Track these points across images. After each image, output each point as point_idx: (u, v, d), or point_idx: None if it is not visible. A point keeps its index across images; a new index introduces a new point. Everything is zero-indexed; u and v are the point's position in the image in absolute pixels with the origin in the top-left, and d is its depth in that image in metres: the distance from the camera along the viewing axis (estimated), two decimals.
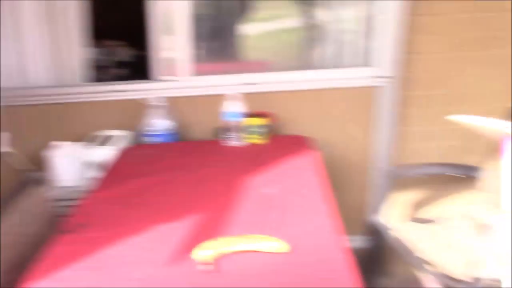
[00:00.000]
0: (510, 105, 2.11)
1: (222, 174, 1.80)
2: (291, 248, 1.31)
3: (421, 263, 1.89)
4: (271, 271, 1.24)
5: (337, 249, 1.32)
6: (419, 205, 2.41)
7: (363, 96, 2.36)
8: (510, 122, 2.08)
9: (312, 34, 2.57)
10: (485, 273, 1.21)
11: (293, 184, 1.69)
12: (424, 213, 2.41)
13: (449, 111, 1.98)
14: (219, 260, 1.28)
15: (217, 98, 2.08)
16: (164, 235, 1.41)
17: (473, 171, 2.19)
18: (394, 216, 2.41)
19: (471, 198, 2.19)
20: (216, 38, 2.47)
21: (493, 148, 2.13)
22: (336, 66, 2.48)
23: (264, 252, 1.30)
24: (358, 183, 2.44)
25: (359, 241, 2.29)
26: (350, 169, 2.44)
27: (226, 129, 2.05)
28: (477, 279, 1.47)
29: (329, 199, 1.57)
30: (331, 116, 2.38)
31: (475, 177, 2.18)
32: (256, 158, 1.93)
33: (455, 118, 1.08)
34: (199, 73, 2.34)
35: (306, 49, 2.62)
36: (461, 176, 2.30)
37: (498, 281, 1.20)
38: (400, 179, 2.33)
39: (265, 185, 1.69)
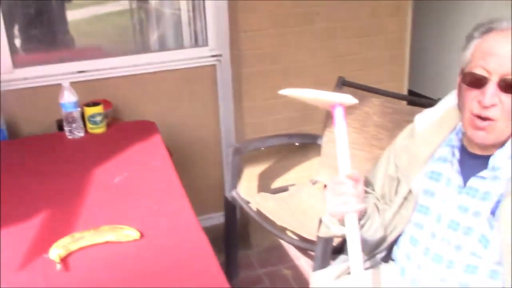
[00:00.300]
0: (337, 76, 2.31)
1: (66, 169, 1.67)
2: (142, 234, 1.28)
3: (279, 231, 1.99)
4: (122, 261, 1.19)
5: (190, 230, 1.31)
6: (271, 176, 2.54)
7: (203, 76, 2.38)
8: (338, 92, 2.28)
9: (144, 16, 2.52)
10: (328, 231, 1.31)
11: (140, 170, 1.64)
12: (276, 183, 2.54)
13: (283, 85, 2.09)
14: (67, 258, 1.20)
15: (52, 89, 1.92)
16: (12, 238, 1.29)
17: (316, 138, 2.37)
18: (249, 189, 2.51)
19: (316, 164, 2.37)
20: (37, 25, 2.28)
21: (329, 116, 2.32)
22: (172, 48, 2.47)
23: (114, 242, 1.25)
24: (214, 161, 2.47)
25: (221, 218, 2.33)
26: (204, 149, 2.46)
27: (66, 121, 1.91)
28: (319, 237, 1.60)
29: (177, 182, 1.56)
30: (175, 98, 2.36)
31: (318, 144, 2.36)
32: (99, 148, 1.84)
33: (286, 91, 1.13)
34: (23, 64, 2.15)
35: (141, 32, 2.55)
36: (305, 144, 2.47)
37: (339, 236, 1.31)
38: (250, 153, 2.42)
39: (111, 175, 1.62)
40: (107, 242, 1.25)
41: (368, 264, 1.46)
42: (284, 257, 2.44)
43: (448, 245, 1.25)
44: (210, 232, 2.54)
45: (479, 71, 1.14)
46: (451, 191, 1.26)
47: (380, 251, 1.41)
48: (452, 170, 1.26)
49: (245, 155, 2.43)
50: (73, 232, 1.26)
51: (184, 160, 2.39)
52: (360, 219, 1.24)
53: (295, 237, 1.98)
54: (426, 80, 4.15)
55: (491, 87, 1.12)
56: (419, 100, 2.09)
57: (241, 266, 2.40)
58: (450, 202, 1.26)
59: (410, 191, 1.32)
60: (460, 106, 1.22)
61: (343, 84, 2.23)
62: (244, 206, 2.12)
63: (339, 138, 1.12)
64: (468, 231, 1.22)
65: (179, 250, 1.23)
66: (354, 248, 1.07)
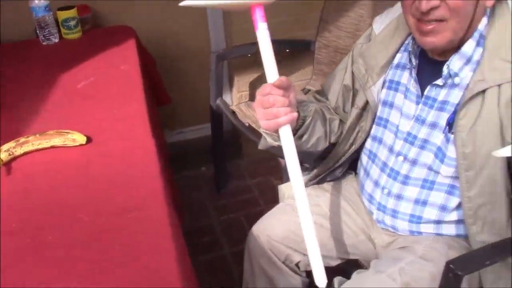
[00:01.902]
0: None
1: (33, 75, 1.64)
2: (90, 139, 1.25)
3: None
4: (66, 166, 1.16)
5: (141, 137, 1.26)
6: (256, 86, 2.46)
7: None
8: None
9: None
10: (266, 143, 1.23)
11: (106, 76, 1.59)
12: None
13: None
14: (11, 163, 1.19)
15: None
16: None
17: (309, 45, 2.24)
18: (240, 98, 2.44)
19: (309, 72, 2.26)
20: None
21: (322, 20, 2.17)
22: None
23: (60, 146, 1.23)
24: (202, 70, 2.39)
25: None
26: (193, 58, 2.37)
27: (39, 26, 1.85)
28: None
29: (140, 88, 1.50)
30: (161, 3, 2.25)
31: (311, 50, 2.23)
32: (72, 53, 1.79)
33: (187, 2, 1.00)
34: None
35: None
36: (298, 50, 2.35)
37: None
38: (240, 61, 2.32)
39: (77, 80, 1.58)
40: (52, 147, 1.23)
41: (329, 178, 1.41)
42: (274, 168, 2.41)
43: (404, 160, 1.18)
44: (200, 142, 2.56)
45: None
46: (409, 101, 1.17)
47: (339, 165, 1.35)
48: (410, 79, 1.16)
49: (235, 64, 2.35)
50: (20, 137, 1.25)
51: (172, 69, 2.32)
52: (297, 129, 1.16)
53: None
54: None
55: None
56: None
57: (231, 176, 2.40)
58: (408, 113, 1.17)
59: (368, 102, 1.23)
60: (403, 10, 1.09)
61: None
62: (229, 115, 2.07)
63: (262, 43, 0.98)
64: (425, 144, 1.15)
65: (126, 156, 1.20)
66: (291, 162, 0.99)
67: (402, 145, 1.18)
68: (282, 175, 2.38)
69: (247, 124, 2.00)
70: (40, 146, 1.23)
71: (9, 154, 1.20)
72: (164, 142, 1.69)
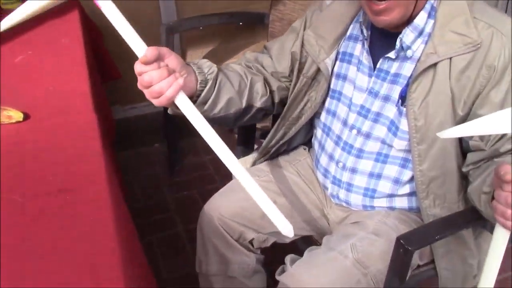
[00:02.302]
0: None
1: None
2: (28, 116, 1.17)
3: None
4: (3, 140, 1.10)
5: (81, 112, 1.19)
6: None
7: None
8: None
9: None
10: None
11: (46, 49, 1.49)
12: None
13: None
14: None
15: None
16: None
17: (262, 18, 2.18)
18: None
19: (260, 45, 2.21)
20: None
21: None
22: None
23: None
24: (152, 43, 2.29)
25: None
26: (141, 30, 2.25)
27: None
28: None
29: (82, 61, 1.42)
30: None
31: (265, 23, 2.17)
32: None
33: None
34: None
35: None
36: (251, 24, 2.29)
37: None
38: (192, 35, 2.24)
39: (14, 54, 1.47)
40: None
41: (282, 152, 1.38)
42: (231, 143, 2.36)
43: (358, 134, 1.16)
44: (153, 118, 2.48)
45: None
46: (362, 74, 1.14)
47: (290, 138, 1.31)
48: (362, 51, 1.13)
49: (187, 37, 2.27)
50: None
51: (121, 42, 2.21)
52: (198, 95, 1.03)
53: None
54: None
55: None
56: None
57: (186, 153, 2.35)
58: (361, 86, 1.14)
59: (318, 71, 1.19)
60: None
61: None
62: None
63: (113, 19, 0.88)
64: (378, 117, 1.13)
65: (65, 133, 1.13)
66: (202, 129, 0.88)
67: (356, 118, 1.16)
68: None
69: None
70: None
71: None
72: (111, 120, 1.62)
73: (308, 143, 1.41)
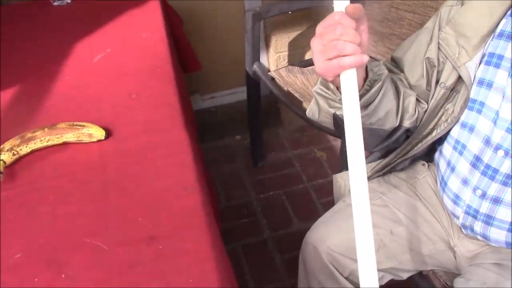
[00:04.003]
0: None
1: (41, 44, 1.41)
2: (110, 133, 1.03)
3: (303, 110, 1.69)
4: (82, 166, 0.95)
5: (172, 127, 1.02)
6: (303, 44, 2.17)
7: None
8: None
9: None
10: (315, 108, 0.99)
11: (126, 46, 1.34)
12: (310, 53, 2.18)
13: None
14: (15, 165, 0.98)
15: None
16: None
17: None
18: (278, 60, 2.17)
19: None
20: None
21: None
22: None
23: (74, 143, 1.01)
24: (236, 29, 2.11)
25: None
26: (225, 16, 2.09)
27: None
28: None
29: (167, 59, 1.25)
30: None
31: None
32: (87, 17, 1.53)
33: None
34: None
35: None
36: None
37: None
38: (278, 19, 2.03)
39: (91, 52, 1.33)
40: (64, 143, 1.02)
41: (401, 165, 1.16)
42: (318, 137, 2.16)
43: (505, 156, 0.92)
44: (235, 109, 2.31)
45: None
46: None
47: (413, 153, 1.10)
48: None
49: (271, 22, 2.05)
50: (25, 131, 1.03)
51: (202, 29, 2.05)
52: (362, 95, 0.88)
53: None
54: None
55: None
56: None
57: (269, 147, 2.16)
58: (509, 97, 0.90)
59: (459, 80, 0.96)
60: None
61: None
62: (267, 82, 1.81)
63: None
64: None
65: (153, 154, 0.97)
66: (352, 123, 0.73)
67: (503, 136, 0.91)
68: (328, 146, 2.16)
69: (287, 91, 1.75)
70: (49, 143, 1.01)
71: (13, 154, 0.98)
72: (195, 124, 1.46)
73: (427, 157, 1.18)
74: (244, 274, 1.65)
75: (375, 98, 0.91)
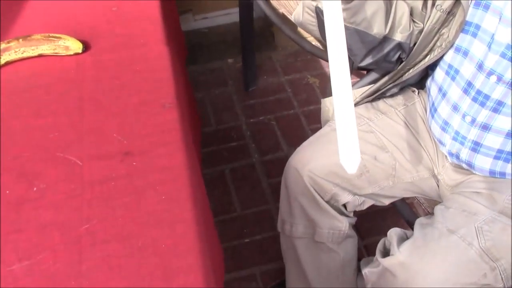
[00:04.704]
0: None
1: None
2: (87, 46, 0.98)
3: (299, 35, 1.63)
4: (57, 80, 0.92)
5: (156, 45, 0.98)
6: None
7: None
8: None
9: None
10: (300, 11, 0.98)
11: None
12: None
13: None
14: None
15: None
16: None
17: None
18: None
19: None
20: None
21: None
22: None
23: (50, 55, 0.97)
24: None
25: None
26: None
27: None
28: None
29: None
30: None
31: None
32: None
33: None
34: None
35: None
36: None
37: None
38: None
39: None
40: (40, 56, 0.97)
41: (391, 91, 1.13)
42: (312, 63, 2.11)
43: (498, 81, 0.88)
44: (228, 30, 2.23)
45: None
46: None
47: (405, 78, 1.06)
48: None
49: None
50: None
51: None
52: None
53: (318, 45, 1.62)
54: None
55: None
56: None
57: (262, 71, 2.11)
58: (510, 19, 0.85)
59: (456, 3, 0.90)
60: None
61: None
62: (261, 3, 1.72)
63: None
64: None
65: (132, 69, 0.93)
66: (332, 32, 0.69)
67: (498, 61, 0.87)
68: (322, 73, 2.10)
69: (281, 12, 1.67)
70: (24, 55, 0.96)
71: None
72: (181, 36, 1.40)
73: (418, 84, 1.15)
74: (230, 196, 1.66)
75: None
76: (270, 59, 2.15)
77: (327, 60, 1.82)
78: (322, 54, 1.60)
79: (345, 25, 0.83)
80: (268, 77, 2.09)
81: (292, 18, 0.99)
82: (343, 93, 0.67)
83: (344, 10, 0.83)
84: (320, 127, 1.19)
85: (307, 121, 1.89)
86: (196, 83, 2.05)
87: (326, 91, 1.99)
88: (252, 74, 2.05)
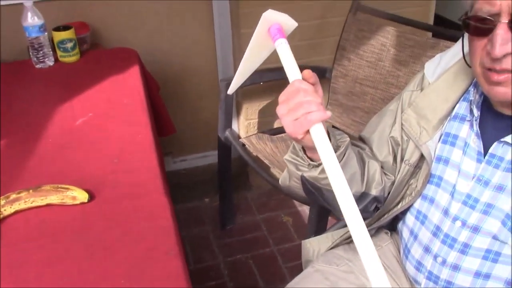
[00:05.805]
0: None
1: (23, 107, 1.45)
2: (92, 196, 1.07)
3: (274, 178, 1.77)
4: (64, 229, 0.98)
5: (152, 193, 1.07)
6: (273, 113, 2.28)
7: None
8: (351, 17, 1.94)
9: None
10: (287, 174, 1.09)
11: (107, 110, 1.40)
12: (279, 121, 2.29)
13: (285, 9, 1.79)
14: None
15: (17, 9, 1.65)
16: None
17: (324, 72, 2.06)
18: (248, 127, 2.26)
19: (324, 101, 2.08)
20: None
21: (340, 48, 2.00)
22: None
23: (57, 205, 1.04)
24: (209, 94, 2.21)
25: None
26: (199, 80, 2.19)
27: (32, 48, 1.66)
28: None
29: (147, 127, 1.31)
30: (165, 21, 2.06)
31: (326, 78, 2.06)
32: (68, 80, 1.60)
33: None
34: None
35: None
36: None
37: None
38: (249, 88, 2.14)
39: (74, 115, 1.39)
40: (48, 205, 1.04)
41: (371, 232, 1.23)
42: (285, 202, 2.24)
43: (463, 226, 1.00)
44: (205, 172, 2.37)
45: (483, 13, 0.84)
46: (469, 159, 1.00)
47: (380, 223, 1.17)
48: (470, 133, 0.99)
49: (242, 90, 2.17)
50: (9, 192, 1.05)
51: (176, 93, 2.14)
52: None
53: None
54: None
55: (501, 32, 0.82)
56: (447, 31, 1.73)
57: (238, 210, 2.22)
58: (467, 172, 1.00)
59: (421, 157, 1.06)
60: (470, 57, 0.92)
61: (357, 10, 1.90)
62: (238, 148, 1.89)
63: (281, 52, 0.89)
64: (489, 209, 0.97)
65: (135, 218, 1.01)
66: (333, 174, 0.80)
67: (460, 208, 1.01)
68: (295, 211, 2.22)
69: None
70: (33, 204, 1.04)
71: None
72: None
73: (390, 225, 1.26)
74: None
75: (339, 161, 0.97)
76: (246, 198, 2.27)
77: (299, 200, 1.95)
78: (296, 194, 1.72)
79: (326, 188, 0.98)
80: (244, 216, 2.19)
81: (279, 182, 1.11)
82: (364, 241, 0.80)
83: (323, 180, 0.97)
84: (297, 265, 1.25)
85: (283, 259, 1.96)
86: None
87: (299, 230, 2.09)
88: (229, 213, 2.15)
